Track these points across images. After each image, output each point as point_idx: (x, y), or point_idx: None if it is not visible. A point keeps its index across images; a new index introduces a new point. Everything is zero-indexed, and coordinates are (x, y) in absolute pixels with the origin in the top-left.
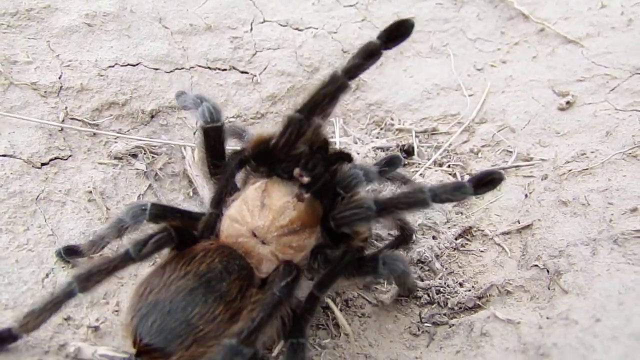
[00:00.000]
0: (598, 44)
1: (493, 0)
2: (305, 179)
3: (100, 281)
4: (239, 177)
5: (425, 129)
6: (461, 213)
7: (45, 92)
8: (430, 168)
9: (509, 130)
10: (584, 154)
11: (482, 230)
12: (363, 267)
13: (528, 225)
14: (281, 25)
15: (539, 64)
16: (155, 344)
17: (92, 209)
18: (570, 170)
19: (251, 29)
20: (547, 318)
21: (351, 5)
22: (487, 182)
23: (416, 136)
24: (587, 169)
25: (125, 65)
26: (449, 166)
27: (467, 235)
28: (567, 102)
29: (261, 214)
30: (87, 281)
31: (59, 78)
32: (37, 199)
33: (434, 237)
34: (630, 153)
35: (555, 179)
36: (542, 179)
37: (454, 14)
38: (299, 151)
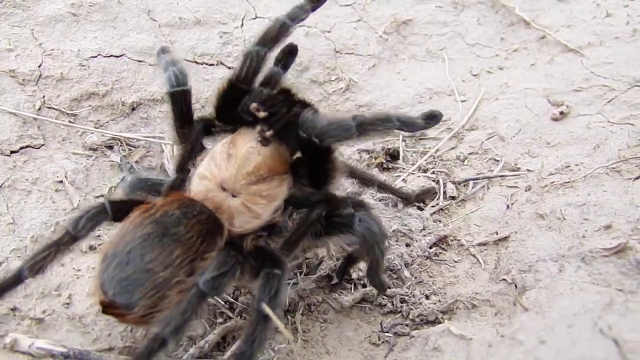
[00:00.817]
0: (599, 53)
1: (495, 5)
2: (262, 114)
3: (48, 264)
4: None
5: (413, 133)
6: (439, 221)
7: (23, 80)
8: (413, 173)
9: (498, 139)
10: (569, 166)
11: (459, 240)
12: (336, 224)
13: (505, 237)
14: None
15: (536, 72)
16: (118, 296)
17: (59, 199)
18: (552, 183)
19: (242, 24)
20: (501, 336)
21: (348, 5)
22: (432, 116)
23: (403, 140)
24: (569, 182)
25: (109, 56)
26: (433, 172)
27: (443, 244)
28: (561, 112)
29: (228, 164)
30: (35, 264)
31: (39, 66)
32: (1, 186)
33: (407, 245)
34: (614, 168)
35: (537, 190)
36: (525, 190)
37: (453, 18)
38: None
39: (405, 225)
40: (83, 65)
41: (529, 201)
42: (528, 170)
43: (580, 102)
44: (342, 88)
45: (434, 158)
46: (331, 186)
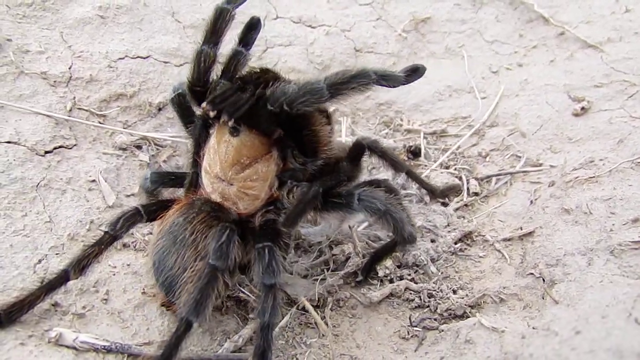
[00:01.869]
0: (619, 49)
1: (513, 2)
2: (212, 113)
3: (91, 264)
4: None
5: (435, 130)
6: (463, 217)
7: (54, 81)
8: (436, 170)
9: (519, 135)
10: (592, 161)
11: (483, 236)
12: (335, 201)
13: (530, 233)
14: (294, 22)
15: (556, 68)
16: (169, 296)
17: (92, 197)
18: (577, 178)
19: (263, 24)
20: (533, 328)
21: (367, 4)
22: (414, 69)
23: (424, 137)
24: (593, 177)
25: (135, 58)
26: (455, 169)
27: (468, 240)
28: (582, 108)
29: (215, 158)
30: (79, 264)
31: (69, 68)
32: (37, 186)
33: (432, 241)
34: (639, 162)
35: (561, 186)
36: (549, 186)
37: (472, 15)
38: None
39: (429, 221)
40: (111, 67)
41: (553, 196)
42: (551, 165)
43: (601, 98)
44: None
45: (455, 155)
46: (324, 152)
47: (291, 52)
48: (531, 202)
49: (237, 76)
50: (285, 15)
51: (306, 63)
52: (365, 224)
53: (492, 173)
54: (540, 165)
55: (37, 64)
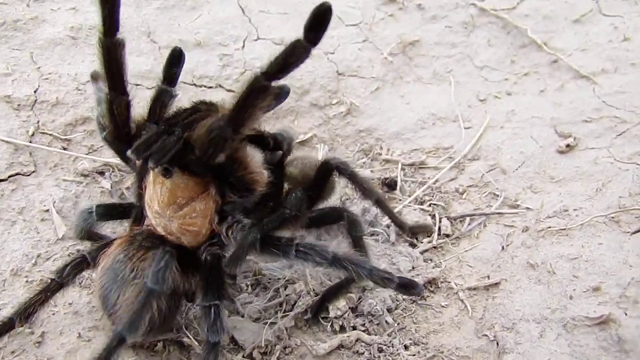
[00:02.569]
0: (613, 81)
1: (506, 25)
2: (137, 162)
3: (37, 311)
4: None
5: (413, 161)
6: (430, 260)
7: (18, 105)
8: (409, 205)
9: (500, 171)
10: (567, 210)
11: (449, 282)
12: (275, 248)
13: (495, 284)
14: (275, 43)
15: (545, 99)
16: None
17: (43, 229)
18: (549, 228)
19: (243, 46)
20: None
21: (354, 25)
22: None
23: (402, 169)
24: (565, 229)
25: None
26: (430, 205)
27: (432, 286)
28: (568, 145)
29: (153, 196)
30: (25, 312)
31: (35, 91)
32: None
33: None
34: (613, 217)
35: (533, 234)
36: (522, 231)
37: (462, 39)
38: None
39: (394, 264)
40: (79, 90)
41: (524, 245)
42: (527, 208)
43: (589, 134)
44: (342, 112)
45: (432, 189)
46: (257, 186)
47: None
48: (502, 248)
49: (164, 117)
50: (266, 36)
51: None
52: None
53: (466, 212)
54: (518, 206)
55: (3, 86)
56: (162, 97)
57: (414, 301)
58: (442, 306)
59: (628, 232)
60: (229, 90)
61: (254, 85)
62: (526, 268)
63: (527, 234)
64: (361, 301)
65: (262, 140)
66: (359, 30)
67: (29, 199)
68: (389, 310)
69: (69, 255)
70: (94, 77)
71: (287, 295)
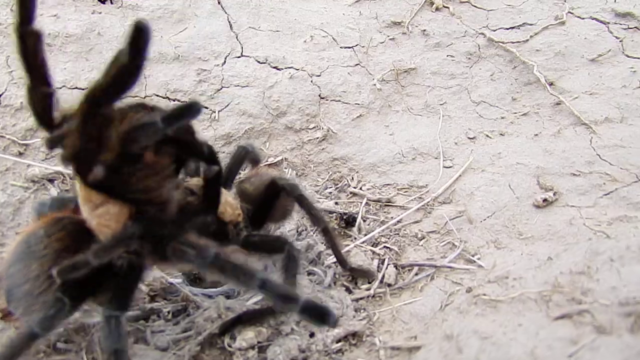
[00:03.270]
0: (614, 132)
1: (514, 60)
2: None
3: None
4: None
5: (380, 198)
6: (363, 310)
7: None
8: (361, 246)
9: (466, 220)
10: (507, 277)
11: (374, 338)
12: (154, 243)
13: (417, 347)
14: (258, 61)
15: (537, 144)
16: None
17: None
18: (483, 295)
19: (224, 62)
20: None
21: (348, 47)
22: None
23: (367, 204)
24: (495, 300)
25: (73, 89)
26: (382, 247)
27: (354, 339)
28: (545, 200)
29: (76, 190)
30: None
31: (0, 95)
32: None
33: (311, 335)
34: (545, 296)
35: (469, 299)
36: (466, 291)
37: (463, 70)
38: None
39: None
40: None
41: (459, 309)
42: (480, 266)
43: (574, 190)
44: (318, 137)
45: (390, 231)
46: (165, 207)
47: (246, 94)
48: (441, 307)
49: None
50: (251, 54)
51: (260, 107)
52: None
53: (417, 262)
54: (473, 262)
55: None
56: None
57: (327, 354)
58: None
59: (551, 317)
60: (202, 107)
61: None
62: (443, 338)
63: (468, 295)
64: (269, 344)
65: (193, 149)
66: (353, 54)
67: None
68: None
69: None
70: None
71: (199, 324)
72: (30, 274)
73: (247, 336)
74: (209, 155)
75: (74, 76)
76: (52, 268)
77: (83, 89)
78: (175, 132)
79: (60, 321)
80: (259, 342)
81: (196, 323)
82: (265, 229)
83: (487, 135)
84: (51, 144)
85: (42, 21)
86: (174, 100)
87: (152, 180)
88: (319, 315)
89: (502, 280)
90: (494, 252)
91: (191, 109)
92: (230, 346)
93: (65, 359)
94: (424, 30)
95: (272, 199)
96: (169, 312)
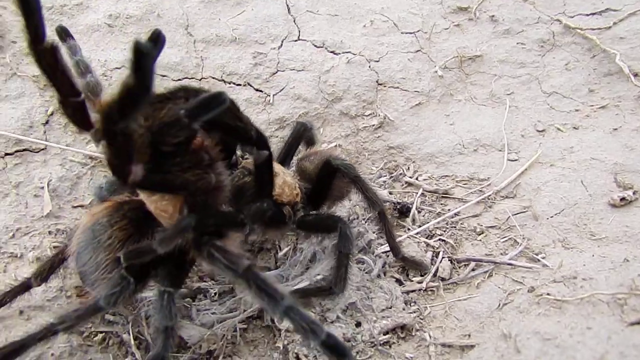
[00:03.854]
0: None
1: (593, 48)
2: None
3: (80, 325)
4: None
5: (437, 189)
6: (414, 303)
7: (44, 85)
8: (415, 237)
9: (531, 216)
10: (576, 277)
11: (424, 332)
12: (195, 242)
13: (471, 346)
14: (315, 45)
15: (616, 139)
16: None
17: (34, 204)
18: (547, 295)
19: (281, 45)
20: None
21: (410, 33)
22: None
23: (423, 194)
24: (561, 300)
25: None
26: (438, 240)
27: (403, 333)
28: (623, 199)
29: None
30: (69, 327)
31: None
32: None
33: (357, 324)
34: (618, 299)
35: (532, 298)
36: (528, 291)
37: (535, 58)
38: None
39: (368, 298)
40: (105, 76)
41: (518, 308)
42: (544, 265)
43: None
44: (374, 125)
45: (447, 224)
46: (216, 194)
47: (302, 78)
48: (499, 305)
49: None
50: (308, 37)
51: (315, 92)
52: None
53: (474, 256)
54: (537, 261)
55: (33, 67)
56: None
57: (374, 345)
58: (406, 358)
59: (625, 322)
60: (257, 90)
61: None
62: (499, 337)
63: (529, 295)
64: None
65: (239, 134)
66: (414, 39)
67: (29, 174)
68: None
69: (48, 232)
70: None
71: (245, 302)
72: (99, 262)
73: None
74: (258, 140)
75: None
76: (118, 254)
77: None
78: (219, 117)
79: (124, 298)
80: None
81: (242, 302)
82: (322, 209)
83: (559, 129)
84: (96, 141)
85: (104, 3)
86: (229, 83)
87: (193, 173)
88: (338, 353)
89: (570, 281)
90: (561, 251)
91: (216, 101)
92: (276, 325)
93: (111, 330)
94: (493, 16)
95: (329, 179)
96: (215, 293)
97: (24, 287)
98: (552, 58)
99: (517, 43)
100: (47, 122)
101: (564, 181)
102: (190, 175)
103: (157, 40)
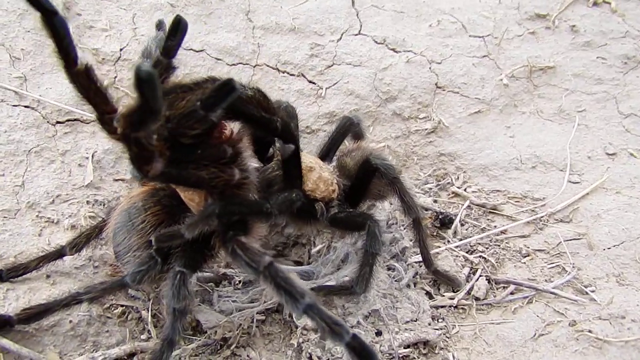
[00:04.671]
0: None
1: None
2: None
3: (104, 298)
4: None
5: (485, 203)
6: (442, 319)
7: (103, 59)
8: (454, 250)
9: (586, 245)
10: (624, 317)
11: (448, 352)
12: (221, 235)
13: None
14: (376, 41)
15: None
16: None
17: (77, 173)
18: (589, 332)
19: (340, 38)
20: None
21: (479, 37)
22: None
23: (469, 207)
24: (602, 339)
25: (188, 50)
26: (478, 256)
27: (425, 349)
28: None
29: None
30: (94, 299)
31: (121, 49)
32: (29, 151)
33: (377, 333)
34: None
35: (572, 333)
36: (569, 324)
37: (615, 75)
38: None
39: (393, 308)
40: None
41: (555, 342)
42: (592, 299)
43: None
44: (427, 129)
45: (491, 240)
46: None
47: (357, 74)
48: (534, 335)
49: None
50: (369, 32)
51: (369, 89)
52: None
53: (515, 280)
54: (585, 294)
55: (94, 40)
56: (156, 68)
57: (392, 357)
58: None
59: None
60: (310, 81)
61: None
62: None
63: (570, 329)
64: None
65: (262, 124)
66: (482, 44)
67: (76, 144)
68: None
69: (86, 202)
70: (158, 26)
71: (267, 295)
72: (132, 243)
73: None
74: (283, 132)
75: (189, 37)
76: (150, 237)
77: (197, 51)
78: (242, 107)
79: (150, 278)
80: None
81: (264, 293)
82: (360, 208)
83: (632, 154)
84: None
85: None
86: (283, 73)
87: (211, 169)
88: (364, 356)
89: (617, 320)
90: (614, 287)
91: (226, 88)
92: (294, 321)
93: (132, 305)
94: (574, 26)
95: (367, 177)
96: (239, 281)
97: (58, 254)
98: (636, 77)
99: (597, 57)
100: None
101: (629, 211)
102: (208, 171)
103: (177, 27)
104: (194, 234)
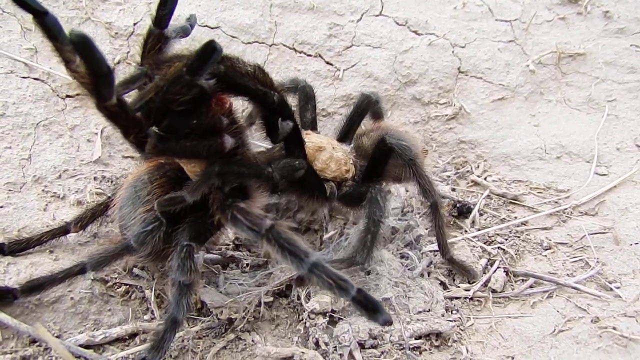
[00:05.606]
0: None
1: None
2: None
3: (109, 265)
4: None
5: (505, 193)
6: (456, 311)
7: (116, 33)
8: (471, 240)
9: (612, 239)
10: None
11: (461, 346)
12: (220, 201)
13: None
14: (397, 23)
15: None
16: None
17: (85, 149)
18: (613, 329)
19: (360, 19)
20: None
21: (505, 21)
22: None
23: (488, 196)
24: (627, 337)
25: (203, 26)
26: (496, 247)
27: (437, 341)
28: None
29: None
30: (98, 265)
31: (135, 24)
32: (37, 124)
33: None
34: None
35: (594, 330)
36: (591, 321)
37: None
38: None
39: (405, 297)
40: None
41: (576, 338)
42: (617, 296)
43: None
44: (447, 115)
45: (510, 232)
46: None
47: (377, 56)
48: (554, 331)
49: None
50: (390, 13)
51: (389, 72)
52: None
53: (535, 273)
54: (608, 290)
55: (108, 13)
56: (149, 39)
57: (402, 348)
58: None
59: None
60: (327, 62)
61: None
62: None
63: (592, 326)
64: (341, 319)
65: (262, 99)
66: (509, 28)
67: (86, 119)
68: (362, 345)
69: (94, 178)
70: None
71: (274, 275)
72: (137, 215)
73: (323, 299)
74: (280, 107)
75: (205, 14)
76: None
77: (212, 28)
78: (237, 78)
79: (154, 238)
80: (332, 311)
81: (272, 277)
82: None
83: None
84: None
85: None
86: (300, 53)
87: (203, 141)
88: (369, 309)
89: None
90: (637, 284)
91: (209, 50)
92: (302, 304)
93: (136, 284)
94: (607, 11)
95: (383, 158)
96: (247, 264)
97: (63, 230)
98: None
99: (631, 45)
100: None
101: None
102: (201, 142)
103: None
104: (196, 197)
